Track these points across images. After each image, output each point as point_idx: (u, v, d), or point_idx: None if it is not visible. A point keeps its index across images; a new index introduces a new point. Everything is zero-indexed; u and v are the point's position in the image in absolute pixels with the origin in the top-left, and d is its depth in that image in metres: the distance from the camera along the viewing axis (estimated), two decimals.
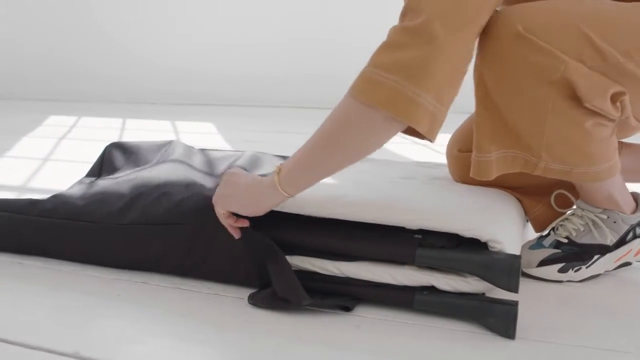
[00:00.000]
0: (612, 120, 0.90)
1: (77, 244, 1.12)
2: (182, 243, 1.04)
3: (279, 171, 0.89)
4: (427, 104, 0.81)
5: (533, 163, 0.94)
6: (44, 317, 0.94)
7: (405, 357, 0.82)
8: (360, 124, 0.84)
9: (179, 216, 1.05)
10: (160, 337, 0.88)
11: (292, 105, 3.61)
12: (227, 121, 3.12)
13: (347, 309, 0.93)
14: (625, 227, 1.03)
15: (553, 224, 1.08)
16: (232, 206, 0.95)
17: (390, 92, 0.80)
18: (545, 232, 1.09)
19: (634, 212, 1.04)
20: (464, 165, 1.00)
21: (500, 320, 0.86)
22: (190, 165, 1.29)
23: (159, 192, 1.12)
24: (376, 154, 1.29)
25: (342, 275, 0.96)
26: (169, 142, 1.48)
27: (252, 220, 0.97)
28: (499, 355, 0.82)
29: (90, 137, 2.69)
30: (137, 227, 1.07)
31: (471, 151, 0.97)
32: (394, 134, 0.85)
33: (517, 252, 0.98)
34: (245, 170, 1.20)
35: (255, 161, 1.32)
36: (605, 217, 1.03)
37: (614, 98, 0.87)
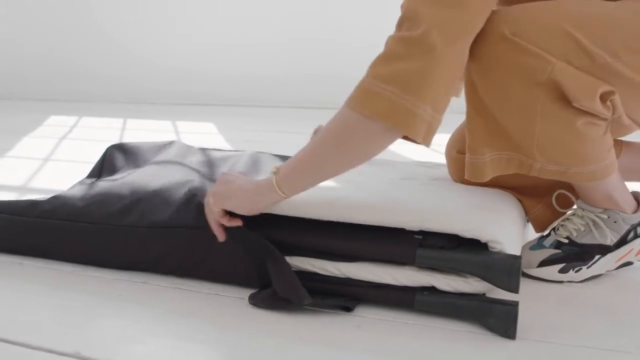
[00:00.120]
0: (604, 119, 0.90)
1: (76, 245, 1.12)
2: (182, 245, 1.04)
3: (276, 171, 0.90)
4: (425, 114, 0.82)
5: (528, 164, 0.94)
6: (45, 317, 0.94)
7: (406, 357, 0.82)
8: (358, 134, 0.85)
9: (179, 218, 1.05)
10: (160, 337, 0.88)
11: (292, 105, 3.61)
12: (227, 121, 3.12)
13: (348, 309, 0.94)
14: (626, 227, 1.03)
15: (554, 224, 1.08)
16: (228, 204, 0.95)
17: (388, 104, 0.81)
18: (545, 232, 1.09)
19: (635, 211, 1.04)
20: (463, 167, 1.00)
21: (500, 320, 0.86)
22: (190, 167, 1.29)
23: (159, 194, 1.12)
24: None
25: (342, 276, 0.96)
26: (170, 143, 1.48)
27: (252, 220, 0.97)
28: (499, 355, 0.82)
29: (91, 137, 2.69)
30: (137, 229, 1.07)
31: None
32: (391, 142, 0.86)
33: (518, 253, 0.98)
34: (245, 173, 1.20)
35: (255, 162, 1.32)
36: (605, 217, 1.03)
37: (604, 97, 0.87)
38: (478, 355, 0.82)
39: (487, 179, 0.98)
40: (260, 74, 3.75)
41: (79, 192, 1.22)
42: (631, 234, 1.04)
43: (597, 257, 1.03)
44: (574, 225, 1.05)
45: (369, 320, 0.92)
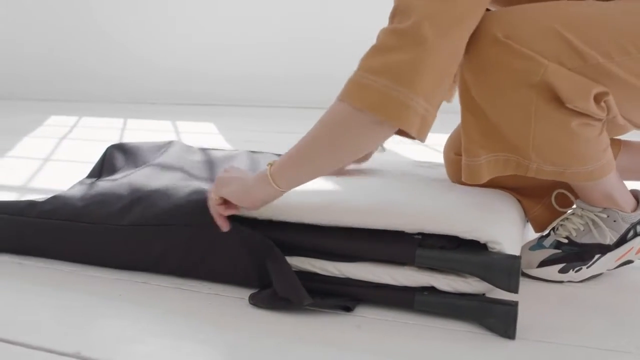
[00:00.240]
0: (599, 120, 0.90)
1: (76, 244, 1.12)
2: (182, 244, 1.04)
3: (272, 163, 0.90)
4: (418, 107, 0.81)
5: (525, 165, 0.94)
6: (45, 317, 0.94)
7: (406, 357, 0.82)
8: (350, 128, 0.84)
9: (179, 218, 1.05)
10: (161, 337, 0.88)
11: (292, 105, 3.61)
12: (227, 121, 3.12)
13: (348, 309, 0.94)
14: (626, 226, 1.03)
15: (553, 224, 1.08)
16: (224, 190, 0.95)
17: (380, 96, 0.80)
18: (545, 232, 1.09)
19: (634, 210, 1.04)
20: (461, 169, 1.01)
21: (500, 320, 0.86)
22: (190, 167, 1.29)
23: (159, 193, 1.12)
24: (377, 154, 1.30)
25: (342, 276, 0.96)
26: (169, 143, 1.48)
27: (253, 221, 0.98)
28: (499, 355, 0.82)
29: (91, 137, 2.69)
30: (136, 228, 1.07)
31: None
32: (386, 136, 0.86)
33: (517, 253, 0.99)
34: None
35: (255, 162, 1.32)
36: (605, 216, 1.03)
37: (598, 98, 0.87)
38: (478, 355, 0.82)
39: (483, 181, 0.98)
40: (260, 74, 3.75)
41: (79, 192, 1.22)
42: (631, 233, 1.04)
43: (597, 256, 1.03)
44: (573, 225, 1.05)
45: (369, 320, 0.92)
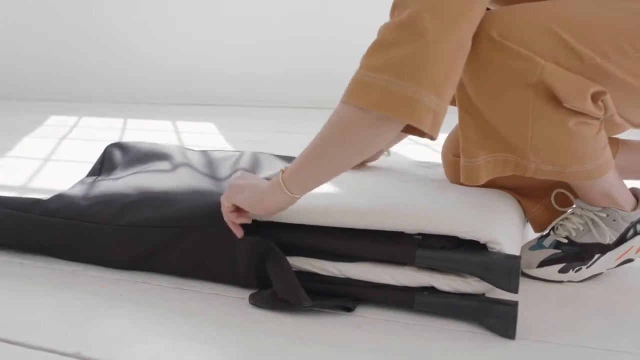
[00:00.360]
0: (597, 119, 0.90)
1: (79, 244, 1.12)
2: (183, 246, 1.04)
3: (284, 170, 0.89)
4: (428, 101, 0.79)
5: (523, 165, 0.94)
6: (45, 317, 0.94)
7: (406, 357, 0.82)
8: (357, 129, 0.83)
9: (182, 220, 1.05)
10: (161, 336, 0.88)
11: (292, 105, 3.61)
12: (227, 121, 3.12)
13: (348, 309, 0.94)
14: (626, 225, 1.03)
15: (553, 224, 1.08)
16: (237, 198, 0.93)
17: (383, 93, 0.79)
18: (545, 232, 1.10)
19: (634, 208, 1.04)
20: (459, 170, 1.01)
21: (500, 320, 0.86)
22: (192, 169, 1.29)
23: (162, 195, 1.12)
24: (382, 158, 1.30)
25: (342, 276, 0.96)
26: (169, 145, 1.49)
27: (253, 222, 0.98)
28: (499, 355, 0.82)
29: (91, 137, 2.69)
30: (140, 229, 1.07)
31: None
32: (393, 133, 0.84)
33: (517, 253, 0.99)
34: (249, 172, 1.20)
35: (256, 162, 1.32)
36: (604, 215, 1.03)
37: (595, 97, 0.87)
38: (478, 355, 0.82)
39: (482, 181, 0.98)
40: (260, 74, 3.75)
41: (81, 191, 1.22)
42: (631, 232, 1.04)
43: (596, 256, 1.04)
44: (572, 225, 1.05)
45: (369, 320, 0.92)
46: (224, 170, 1.28)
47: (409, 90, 0.78)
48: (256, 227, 0.98)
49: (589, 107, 0.87)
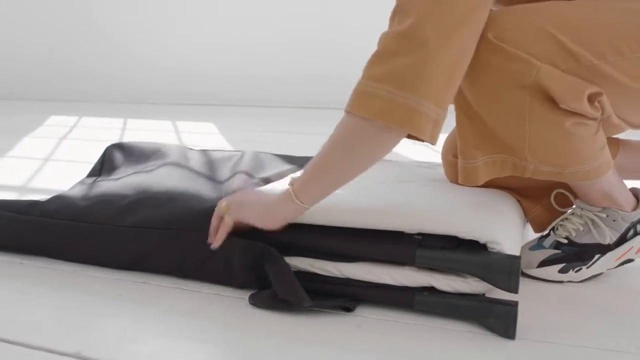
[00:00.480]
0: (594, 119, 0.90)
1: (78, 244, 1.12)
2: (181, 247, 1.04)
3: (293, 182, 0.90)
4: (429, 112, 0.80)
5: (522, 166, 0.94)
6: (45, 317, 0.94)
7: (406, 357, 0.82)
8: (361, 139, 0.84)
9: (180, 221, 1.05)
10: (161, 336, 0.88)
11: (292, 105, 3.61)
12: (227, 121, 3.12)
13: (348, 309, 0.94)
14: (626, 225, 1.03)
15: (553, 224, 1.08)
16: (246, 215, 0.93)
17: (385, 103, 0.80)
18: (545, 233, 1.10)
19: (634, 209, 1.04)
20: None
21: (500, 320, 0.86)
22: (192, 170, 1.29)
23: (162, 196, 1.12)
24: None
25: (342, 276, 0.96)
26: (170, 145, 1.49)
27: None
28: (499, 355, 0.82)
29: (91, 137, 2.69)
30: (140, 230, 1.07)
31: None
32: (396, 142, 0.85)
33: (517, 253, 0.99)
34: (249, 174, 1.20)
35: (257, 162, 1.32)
36: (604, 215, 1.03)
37: (592, 98, 0.87)
38: (478, 355, 0.82)
39: (480, 182, 0.98)
40: (260, 74, 3.75)
41: (81, 191, 1.22)
42: (631, 232, 1.04)
43: (596, 256, 1.04)
44: (572, 225, 1.05)
45: (369, 320, 0.92)
46: (224, 171, 1.28)
47: (410, 101, 0.79)
48: (256, 228, 0.98)
49: (586, 108, 0.87)
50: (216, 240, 0.97)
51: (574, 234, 1.04)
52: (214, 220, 0.98)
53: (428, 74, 0.79)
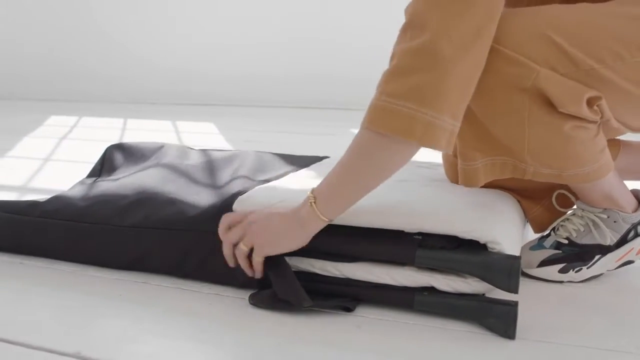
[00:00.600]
0: (593, 122, 0.90)
1: (78, 244, 1.12)
2: (182, 247, 1.04)
3: (314, 200, 0.89)
4: (445, 124, 0.81)
5: (522, 168, 0.94)
6: (45, 317, 0.94)
7: (406, 357, 0.82)
8: (383, 154, 0.84)
9: (180, 221, 1.05)
10: (161, 337, 0.88)
11: (292, 105, 3.61)
12: (227, 121, 3.12)
13: (348, 309, 0.94)
14: (626, 226, 1.03)
15: (554, 224, 1.08)
16: (282, 248, 0.93)
17: (408, 120, 0.80)
18: (545, 233, 1.10)
19: (635, 210, 1.04)
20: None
21: (500, 320, 0.86)
22: (192, 170, 1.28)
23: (162, 196, 1.12)
24: None
25: (342, 276, 0.96)
26: (170, 144, 1.49)
27: None
28: (499, 355, 0.82)
29: (91, 137, 2.69)
30: (139, 230, 1.07)
31: None
32: (413, 154, 0.86)
33: (517, 253, 0.99)
34: (250, 178, 1.20)
35: (257, 164, 1.32)
36: (605, 216, 1.03)
37: (591, 102, 0.87)
38: (478, 355, 0.82)
39: (480, 184, 0.98)
40: (260, 74, 3.75)
41: (80, 192, 1.22)
42: (631, 233, 1.04)
43: (597, 257, 1.04)
44: (573, 226, 1.05)
45: (369, 320, 0.92)
46: (224, 172, 1.27)
47: (429, 116, 0.80)
48: None
49: (585, 112, 0.86)
50: (257, 274, 0.96)
51: (574, 235, 1.04)
52: (240, 262, 0.96)
53: (445, 89, 0.80)
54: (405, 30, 0.83)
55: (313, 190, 0.90)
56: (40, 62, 4.32)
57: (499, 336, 0.86)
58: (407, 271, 0.93)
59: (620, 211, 1.03)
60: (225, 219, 0.97)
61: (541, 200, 1.13)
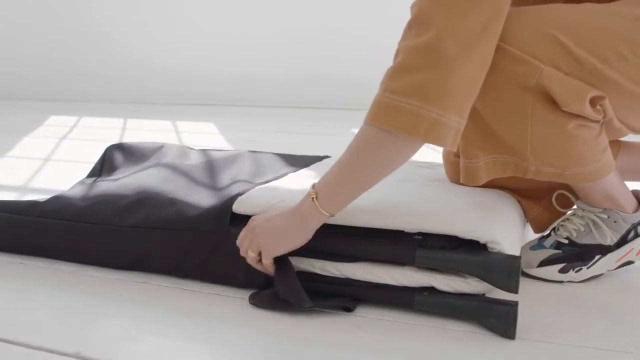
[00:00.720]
0: (596, 122, 0.90)
1: (78, 244, 1.12)
2: (183, 248, 1.04)
3: (315, 196, 0.89)
4: (451, 122, 0.81)
5: (523, 167, 0.94)
6: (45, 317, 0.94)
7: (406, 357, 0.82)
8: (386, 150, 0.84)
9: (181, 221, 1.05)
10: (161, 336, 0.88)
11: (292, 105, 3.61)
12: (227, 121, 3.12)
13: (348, 309, 0.94)
14: (627, 227, 1.03)
15: (554, 224, 1.08)
16: (282, 249, 0.93)
17: (412, 117, 0.80)
18: (546, 233, 1.10)
19: (635, 210, 1.04)
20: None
21: (500, 320, 0.86)
22: (192, 170, 1.28)
23: (162, 196, 1.12)
24: None
25: (342, 276, 0.96)
26: (170, 144, 1.49)
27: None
28: (499, 355, 0.82)
29: (91, 137, 2.69)
30: (139, 230, 1.07)
31: None
32: (416, 151, 0.86)
33: (517, 253, 0.99)
34: (250, 178, 1.20)
35: (256, 162, 1.32)
36: (605, 216, 1.03)
37: (594, 102, 0.87)
38: (478, 355, 0.82)
39: (482, 182, 0.98)
40: (260, 74, 3.75)
41: (80, 192, 1.22)
42: (632, 234, 1.04)
43: (597, 257, 1.04)
44: (573, 226, 1.05)
45: (369, 320, 0.92)
46: (224, 173, 1.27)
47: (434, 114, 0.80)
48: None
49: (587, 111, 0.87)
50: (269, 270, 0.96)
51: (574, 235, 1.04)
52: (256, 267, 0.96)
53: (450, 87, 0.80)
54: (411, 27, 0.83)
55: (314, 186, 0.90)
56: (40, 62, 4.33)
57: (499, 336, 0.86)
58: (407, 271, 0.93)
59: (621, 211, 1.03)
60: (239, 236, 0.97)
61: (541, 200, 1.13)
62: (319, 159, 1.37)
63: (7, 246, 1.18)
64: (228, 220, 1.02)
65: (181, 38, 3.95)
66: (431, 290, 0.92)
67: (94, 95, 4.13)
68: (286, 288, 0.92)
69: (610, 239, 1.03)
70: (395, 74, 0.83)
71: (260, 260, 0.95)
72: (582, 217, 1.05)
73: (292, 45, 3.68)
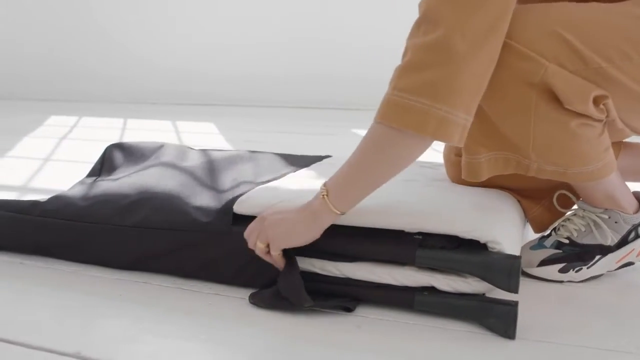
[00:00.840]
0: (599, 121, 0.90)
1: (78, 244, 1.12)
2: (184, 248, 1.04)
3: (326, 193, 0.89)
4: (459, 119, 0.82)
5: (525, 165, 0.94)
6: (45, 317, 0.94)
7: (406, 357, 0.82)
8: (395, 148, 0.85)
9: (182, 222, 1.05)
10: (161, 336, 0.88)
11: (292, 105, 3.61)
12: (227, 121, 3.12)
13: (348, 309, 0.94)
14: (627, 227, 1.03)
15: (555, 224, 1.08)
16: (290, 243, 0.93)
17: (421, 115, 0.80)
18: (546, 233, 1.10)
19: (636, 211, 1.04)
20: (461, 170, 1.01)
21: (500, 320, 0.86)
22: (193, 170, 1.28)
23: (162, 196, 1.12)
24: None
25: (343, 276, 0.96)
26: (170, 144, 1.49)
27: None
28: (499, 355, 0.82)
29: (91, 137, 2.69)
30: (139, 230, 1.07)
31: None
32: (426, 149, 0.86)
33: (517, 253, 0.99)
34: (250, 178, 1.20)
35: (259, 164, 1.31)
36: (606, 217, 1.03)
37: (597, 101, 0.87)
38: (478, 355, 0.82)
39: (483, 178, 0.98)
40: (260, 74, 3.75)
41: (80, 191, 1.22)
42: (632, 234, 1.04)
43: (597, 257, 1.03)
44: (574, 226, 1.05)
45: (369, 320, 0.92)
46: (225, 171, 1.27)
47: (443, 112, 0.80)
48: None
49: (591, 110, 0.87)
50: (280, 263, 0.96)
51: (575, 235, 1.04)
52: (264, 258, 0.96)
53: (459, 84, 0.80)
54: (419, 24, 0.83)
55: (325, 184, 0.90)
56: (40, 62, 4.33)
57: (499, 336, 0.86)
58: (408, 271, 0.93)
59: (622, 212, 1.03)
60: (247, 228, 0.97)
61: (541, 200, 1.13)
62: (319, 159, 1.37)
63: (8, 245, 1.18)
64: (230, 220, 1.02)
65: (181, 38, 3.95)
66: (431, 290, 0.92)
67: (94, 95, 4.13)
68: (289, 285, 0.92)
69: (611, 239, 1.03)
70: (404, 72, 0.83)
71: (269, 252, 0.95)
72: (583, 217, 1.05)
73: (292, 45, 3.68)
